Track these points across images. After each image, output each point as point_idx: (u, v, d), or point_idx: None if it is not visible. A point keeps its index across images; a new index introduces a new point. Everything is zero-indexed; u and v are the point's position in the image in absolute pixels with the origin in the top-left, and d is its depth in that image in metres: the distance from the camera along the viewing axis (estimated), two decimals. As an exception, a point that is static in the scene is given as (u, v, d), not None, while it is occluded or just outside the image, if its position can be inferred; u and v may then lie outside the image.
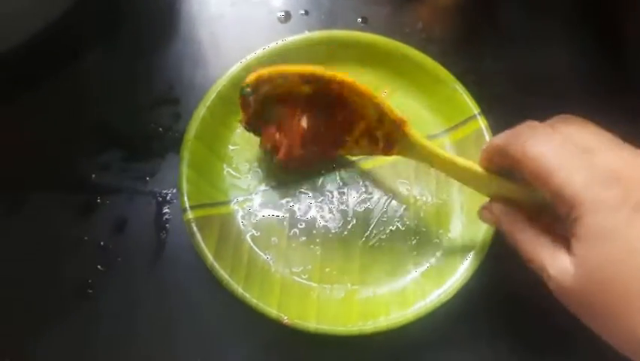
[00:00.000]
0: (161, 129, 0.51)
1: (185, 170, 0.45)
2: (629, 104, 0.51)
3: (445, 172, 0.41)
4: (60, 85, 0.53)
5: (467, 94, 0.48)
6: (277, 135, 0.43)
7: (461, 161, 0.40)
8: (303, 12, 0.56)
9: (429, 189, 0.47)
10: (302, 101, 0.42)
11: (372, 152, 0.44)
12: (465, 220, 0.45)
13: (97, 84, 0.53)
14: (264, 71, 0.41)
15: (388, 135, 0.42)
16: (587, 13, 0.57)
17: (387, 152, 0.43)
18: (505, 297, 0.45)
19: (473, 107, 0.47)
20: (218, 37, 0.55)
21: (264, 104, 0.42)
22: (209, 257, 0.42)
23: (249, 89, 0.42)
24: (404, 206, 0.47)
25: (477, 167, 0.39)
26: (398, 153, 0.43)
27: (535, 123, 0.36)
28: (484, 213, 0.40)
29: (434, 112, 0.49)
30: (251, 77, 0.41)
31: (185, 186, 0.44)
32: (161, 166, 0.49)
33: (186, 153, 0.45)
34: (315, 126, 0.43)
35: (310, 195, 0.47)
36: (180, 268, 0.45)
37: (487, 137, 0.46)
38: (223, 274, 0.41)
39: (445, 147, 0.48)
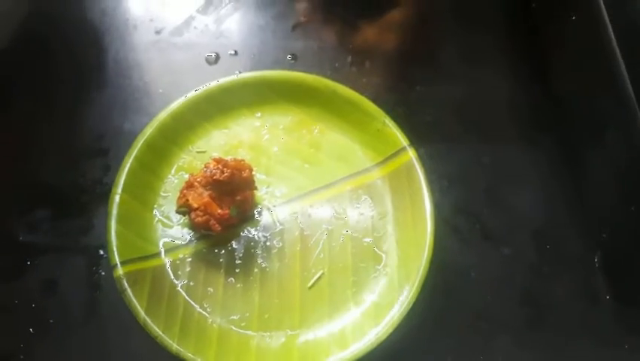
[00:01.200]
0: (90, 182, 0.49)
1: (113, 225, 0.43)
2: (560, 135, 0.52)
3: None
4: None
5: (396, 127, 0.48)
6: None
7: None
8: (232, 52, 0.56)
9: (365, 225, 0.47)
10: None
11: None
12: (401, 254, 0.45)
13: (24, 138, 0.52)
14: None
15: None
16: (519, 43, 0.58)
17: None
18: (444, 330, 0.45)
19: (402, 140, 0.48)
20: (146, 82, 0.55)
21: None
22: (142, 313, 0.41)
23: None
24: (341, 242, 0.46)
25: None
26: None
27: None
28: None
29: (365, 147, 0.50)
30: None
31: (113, 241, 0.43)
32: (92, 222, 0.48)
33: (113, 208, 0.44)
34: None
35: (246, 238, 0.46)
36: (115, 325, 0.44)
37: (418, 167, 0.47)
38: (156, 330, 0.40)
39: (377, 179, 0.49)
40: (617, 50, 0.42)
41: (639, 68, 0.40)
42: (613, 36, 0.43)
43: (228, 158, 0.45)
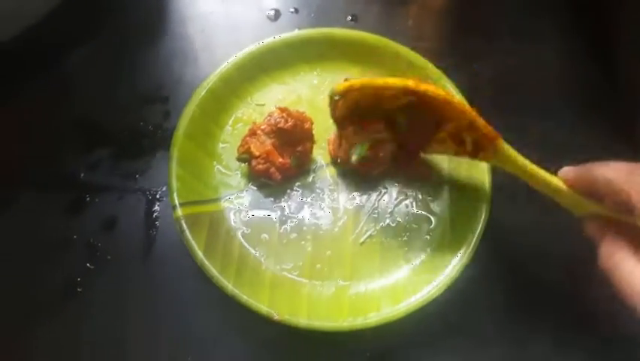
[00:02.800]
0: (150, 127, 0.50)
1: (174, 168, 0.44)
2: (616, 111, 0.51)
3: (535, 185, 0.41)
4: (48, 83, 0.52)
5: (455, 89, 0.48)
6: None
7: (552, 180, 0.40)
8: (292, 10, 0.56)
9: (419, 186, 0.47)
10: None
11: (457, 153, 0.44)
12: (454, 217, 0.46)
13: (85, 82, 0.53)
14: (356, 83, 0.41)
15: (477, 141, 0.42)
16: (578, 18, 0.57)
17: (473, 155, 0.43)
18: (495, 295, 0.45)
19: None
20: (208, 35, 0.55)
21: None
22: (199, 254, 0.42)
23: (337, 97, 0.42)
24: (395, 202, 0.47)
25: (565, 187, 0.39)
26: (484, 159, 0.43)
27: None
28: (589, 227, 0.39)
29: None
30: (341, 87, 0.42)
31: (174, 183, 0.44)
32: (151, 164, 0.49)
33: (175, 151, 0.45)
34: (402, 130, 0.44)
35: (301, 192, 0.47)
36: (171, 265, 0.45)
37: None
38: (213, 270, 0.41)
39: (434, 142, 0.48)
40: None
41: None
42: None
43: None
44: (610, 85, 0.53)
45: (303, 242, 0.45)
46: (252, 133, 0.44)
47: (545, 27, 0.57)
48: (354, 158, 0.43)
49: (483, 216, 0.44)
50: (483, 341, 0.44)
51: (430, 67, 0.49)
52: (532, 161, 0.41)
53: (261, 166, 0.44)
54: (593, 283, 0.45)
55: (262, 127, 0.44)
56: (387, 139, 0.44)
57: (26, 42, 0.51)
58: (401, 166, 0.47)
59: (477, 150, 0.42)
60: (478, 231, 0.43)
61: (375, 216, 0.46)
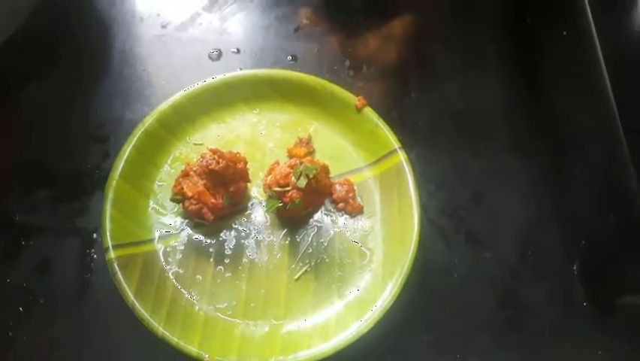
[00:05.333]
0: (89, 167, 0.51)
1: (108, 209, 0.45)
2: (546, 145, 0.54)
3: None
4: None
5: (389, 129, 0.50)
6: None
7: None
8: (234, 50, 0.58)
9: (353, 222, 0.48)
10: None
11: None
12: (386, 252, 0.47)
13: (26, 123, 0.53)
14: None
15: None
16: (514, 56, 0.60)
17: None
18: (425, 329, 0.46)
19: (394, 142, 0.49)
20: (150, 75, 0.56)
21: None
22: (130, 296, 0.42)
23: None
24: (329, 237, 0.48)
25: None
26: None
27: None
28: None
29: (358, 147, 0.51)
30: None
31: (107, 225, 0.44)
32: (89, 205, 0.49)
33: (110, 193, 0.45)
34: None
35: (237, 231, 0.47)
36: (104, 307, 0.45)
37: (407, 170, 0.48)
38: (144, 313, 0.41)
39: (368, 179, 0.50)
40: (604, 69, 0.44)
41: (623, 87, 0.42)
42: (600, 54, 0.45)
43: (225, 150, 0.46)
44: (542, 116, 0.56)
45: (237, 281, 0.45)
46: (185, 174, 0.45)
47: (483, 61, 0.60)
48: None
49: (411, 251, 0.45)
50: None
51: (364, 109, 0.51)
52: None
53: (193, 207, 0.44)
54: (522, 311, 0.48)
55: (194, 168, 0.45)
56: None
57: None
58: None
59: None
60: (407, 264, 0.44)
61: (310, 251, 0.47)
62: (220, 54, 0.57)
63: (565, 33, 0.50)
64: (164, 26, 0.59)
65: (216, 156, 0.44)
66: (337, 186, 0.49)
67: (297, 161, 0.46)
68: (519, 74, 0.58)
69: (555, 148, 0.54)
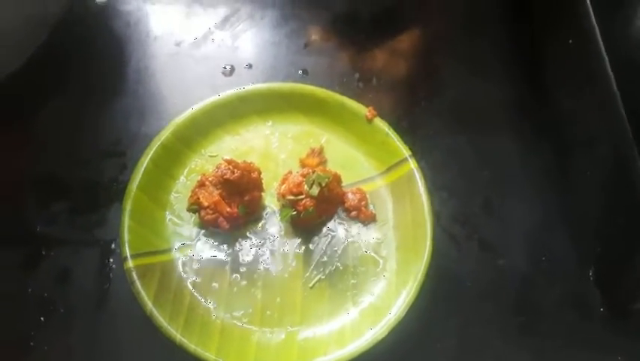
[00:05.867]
0: (107, 180, 0.52)
1: (126, 220, 0.46)
2: (558, 150, 0.55)
3: None
4: (8, 137, 0.54)
5: (399, 139, 0.51)
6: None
7: None
8: (247, 65, 0.59)
9: (366, 231, 0.49)
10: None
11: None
12: (400, 260, 0.47)
13: (46, 137, 0.55)
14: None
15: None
16: (522, 64, 0.61)
17: None
18: (440, 335, 0.46)
19: (404, 151, 0.50)
20: (165, 91, 0.58)
21: None
22: (149, 304, 0.42)
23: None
24: (343, 246, 0.48)
25: None
26: None
27: None
28: None
29: (369, 157, 0.52)
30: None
31: (126, 235, 0.45)
32: (107, 217, 0.50)
33: (128, 204, 0.46)
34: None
35: (252, 239, 0.48)
36: (123, 316, 0.46)
37: (418, 177, 0.49)
38: (162, 321, 0.42)
39: (380, 188, 0.51)
40: (610, 72, 0.44)
41: (631, 89, 0.43)
42: (607, 60, 0.46)
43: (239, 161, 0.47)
44: (552, 122, 0.57)
45: (253, 289, 0.46)
46: (201, 184, 0.46)
47: (491, 70, 0.61)
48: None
49: (425, 258, 0.45)
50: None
51: (374, 120, 0.52)
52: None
53: (209, 216, 0.45)
54: (537, 317, 0.48)
55: (210, 179, 0.46)
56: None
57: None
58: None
59: None
60: (421, 272, 0.45)
61: (325, 260, 0.48)
62: (233, 70, 0.59)
63: (570, 41, 0.51)
64: (177, 44, 0.61)
65: (231, 166, 0.45)
66: (350, 195, 0.49)
67: (310, 170, 0.47)
68: (526, 80, 0.59)
69: (564, 151, 0.54)
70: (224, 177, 0.45)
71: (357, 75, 0.59)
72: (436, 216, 0.49)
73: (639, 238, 0.43)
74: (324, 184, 0.46)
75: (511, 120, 0.58)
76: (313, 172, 0.46)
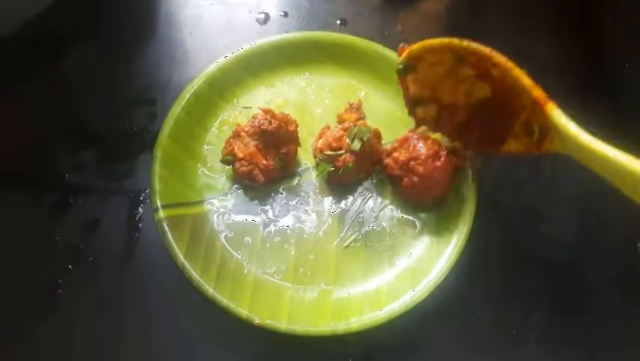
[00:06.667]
0: (136, 129, 0.50)
1: (157, 169, 0.44)
2: (609, 113, 0.51)
3: (600, 171, 0.34)
4: (37, 84, 0.52)
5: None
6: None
7: (626, 161, 0.33)
8: (282, 13, 0.56)
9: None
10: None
11: (527, 146, 0.40)
12: (440, 221, 0.45)
13: (74, 84, 0.53)
14: (414, 47, 0.40)
15: (542, 125, 0.37)
16: (568, 18, 0.57)
17: (540, 146, 0.38)
18: (479, 302, 0.44)
19: (449, 108, 0.47)
20: (197, 38, 0.55)
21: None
22: (180, 257, 0.41)
23: (400, 67, 0.42)
24: (380, 207, 0.46)
25: None
26: (551, 148, 0.37)
27: None
28: None
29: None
30: (402, 56, 0.41)
31: (157, 185, 0.44)
32: (136, 166, 0.49)
33: (159, 152, 0.45)
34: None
35: (286, 195, 0.46)
36: (152, 267, 0.45)
37: (462, 138, 0.46)
38: (194, 274, 0.41)
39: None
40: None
41: None
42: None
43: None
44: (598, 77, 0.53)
45: (286, 246, 0.44)
46: (236, 135, 0.44)
47: (536, 30, 0.57)
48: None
49: (468, 221, 0.43)
50: (466, 349, 0.43)
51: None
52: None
53: (244, 168, 0.43)
54: (581, 290, 0.45)
55: (246, 129, 0.44)
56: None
57: (16, 42, 0.51)
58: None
59: (543, 136, 0.37)
60: (462, 236, 0.43)
61: (360, 220, 0.46)
62: (267, 17, 0.56)
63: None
64: (211, -11, 0.58)
65: (269, 117, 0.43)
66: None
67: (351, 124, 0.45)
68: (576, 45, 0.55)
69: (620, 117, 0.51)
70: (262, 127, 0.43)
71: (398, 27, 0.56)
72: (480, 179, 0.46)
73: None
74: (365, 139, 0.43)
75: (560, 83, 0.54)
76: (355, 126, 0.44)
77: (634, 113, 0.50)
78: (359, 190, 0.47)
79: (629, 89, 0.51)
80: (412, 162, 0.43)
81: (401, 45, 0.47)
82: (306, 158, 0.48)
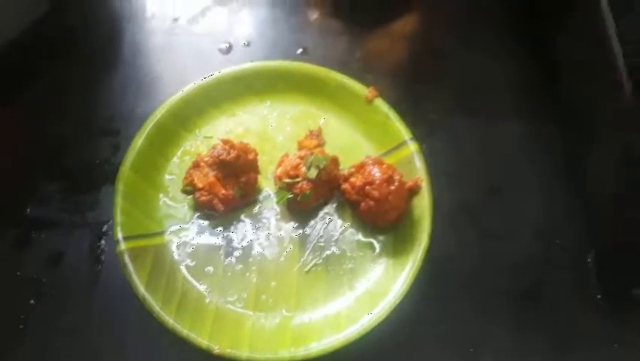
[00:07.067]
0: (100, 160, 0.51)
1: (119, 201, 0.45)
2: (561, 134, 0.53)
3: None
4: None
5: (399, 121, 0.49)
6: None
7: None
8: (245, 43, 0.58)
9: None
10: None
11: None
12: (398, 245, 0.46)
13: (37, 115, 0.53)
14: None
15: None
16: (526, 43, 0.59)
17: None
18: (436, 320, 0.45)
19: (405, 133, 0.49)
20: (161, 68, 0.56)
21: None
22: (141, 289, 0.42)
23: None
24: (340, 230, 0.47)
25: None
26: None
27: None
28: None
29: (369, 139, 0.51)
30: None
31: (118, 217, 0.44)
32: (100, 198, 0.49)
33: (121, 185, 0.45)
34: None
35: (247, 222, 0.47)
36: (115, 300, 0.45)
37: (418, 161, 0.47)
38: (154, 305, 0.41)
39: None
40: (618, 46, 0.42)
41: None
42: (614, 34, 0.44)
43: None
44: (557, 104, 0.55)
45: (248, 273, 0.45)
46: (196, 165, 0.45)
47: (489, 51, 0.59)
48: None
49: (423, 244, 0.44)
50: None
51: (375, 100, 0.50)
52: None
53: (204, 198, 0.44)
54: (536, 304, 0.47)
55: (205, 159, 0.45)
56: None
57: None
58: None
59: None
60: (417, 258, 0.44)
61: (321, 244, 0.47)
62: (230, 47, 0.57)
63: (578, 20, 0.49)
64: (175, 20, 0.59)
65: (227, 147, 0.44)
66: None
67: (308, 152, 0.46)
68: (532, 61, 0.58)
69: (570, 137, 0.53)
70: (220, 157, 0.44)
71: (357, 55, 0.57)
72: (437, 202, 0.47)
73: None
74: (322, 167, 0.44)
75: (516, 103, 0.56)
76: (311, 154, 0.45)
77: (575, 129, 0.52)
78: (320, 215, 0.48)
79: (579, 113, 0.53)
80: (367, 187, 0.44)
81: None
82: (267, 185, 0.49)
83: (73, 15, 0.59)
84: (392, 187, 0.44)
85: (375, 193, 0.44)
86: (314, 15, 0.60)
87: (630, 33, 0.42)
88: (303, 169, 0.44)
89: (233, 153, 0.44)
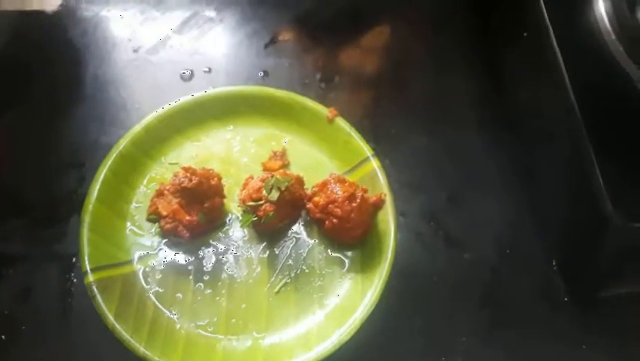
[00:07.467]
0: (66, 193, 0.51)
1: (85, 233, 0.45)
2: (519, 145, 0.55)
3: None
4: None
5: (361, 138, 0.51)
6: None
7: None
8: (206, 69, 0.59)
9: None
10: None
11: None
12: (365, 260, 0.47)
13: (2, 150, 0.53)
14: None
15: None
16: (482, 60, 0.61)
17: None
18: (406, 332, 0.46)
19: (366, 150, 0.50)
20: (123, 98, 0.57)
21: None
22: (110, 318, 0.42)
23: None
24: (308, 248, 0.48)
25: None
26: None
27: None
28: None
29: (332, 157, 0.52)
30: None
31: (85, 249, 0.44)
32: (66, 231, 0.49)
33: (86, 216, 0.45)
34: None
35: (215, 246, 0.48)
36: (86, 331, 0.45)
37: (381, 176, 0.49)
38: (124, 334, 0.41)
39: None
40: (562, 65, 0.45)
41: (581, 81, 0.43)
42: (559, 53, 0.46)
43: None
44: (512, 116, 0.57)
45: (217, 297, 0.45)
46: (160, 193, 0.46)
47: (452, 68, 0.61)
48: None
49: (389, 257, 0.45)
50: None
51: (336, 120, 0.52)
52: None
53: (169, 225, 0.45)
54: (504, 310, 0.48)
55: (168, 187, 0.45)
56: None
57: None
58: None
59: None
60: (384, 271, 0.45)
61: (290, 263, 0.47)
62: (192, 74, 0.58)
63: (525, 34, 0.52)
64: (135, 50, 0.60)
65: (189, 174, 0.45)
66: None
67: (269, 174, 0.47)
68: (487, 75, 0.60)
69: (526, 144, 0.55)
70: (182, 185, 0.44)
71: (318, 75, 0.59)
72: (401, 214, 0.49)
73: (600, 230, 0.44)
74: (283, 188, 0.45)
75: (474, 115, 0.58)
76: (272, 176, 0.46)
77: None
78: (287, 234, 0.49)
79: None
80: (330, 205, 0.46)
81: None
82: (234, 208, 0.50)
83: (33, 48, 0.59)
84: (354, 204, 0.45)
85: (338, 211, 0.45)
86: (273, 38, 0.61)
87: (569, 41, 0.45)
88: (264, 192, 0.45)
89: (195, 180, 0.45)
